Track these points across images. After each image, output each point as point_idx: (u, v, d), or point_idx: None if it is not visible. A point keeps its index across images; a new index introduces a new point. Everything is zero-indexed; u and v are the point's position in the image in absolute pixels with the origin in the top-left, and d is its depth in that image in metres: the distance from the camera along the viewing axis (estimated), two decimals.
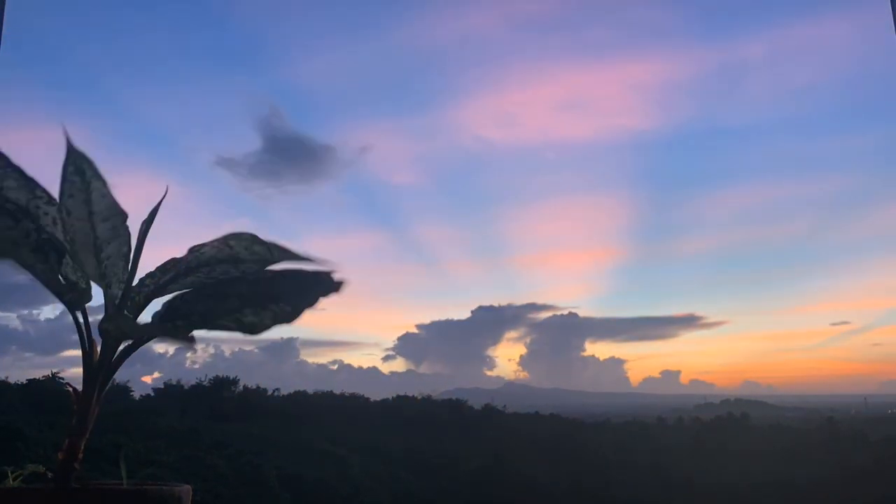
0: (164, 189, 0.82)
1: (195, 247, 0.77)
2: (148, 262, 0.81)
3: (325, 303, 0.76)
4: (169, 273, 0.78)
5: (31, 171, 0.75)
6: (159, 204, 0.81)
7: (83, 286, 0.78)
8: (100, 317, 0.78)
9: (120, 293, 0.79)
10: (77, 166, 0.78)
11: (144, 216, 0.81)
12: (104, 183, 0.79)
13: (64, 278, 0.77)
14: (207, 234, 0.79)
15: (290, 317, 0.75)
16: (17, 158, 0.74)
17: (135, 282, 0.79)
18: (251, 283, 0.76)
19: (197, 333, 0.72)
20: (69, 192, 0.78)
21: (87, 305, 0.79)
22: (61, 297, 0.77)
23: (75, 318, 0.78)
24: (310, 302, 0.75)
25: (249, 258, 0.76)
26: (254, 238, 0.76)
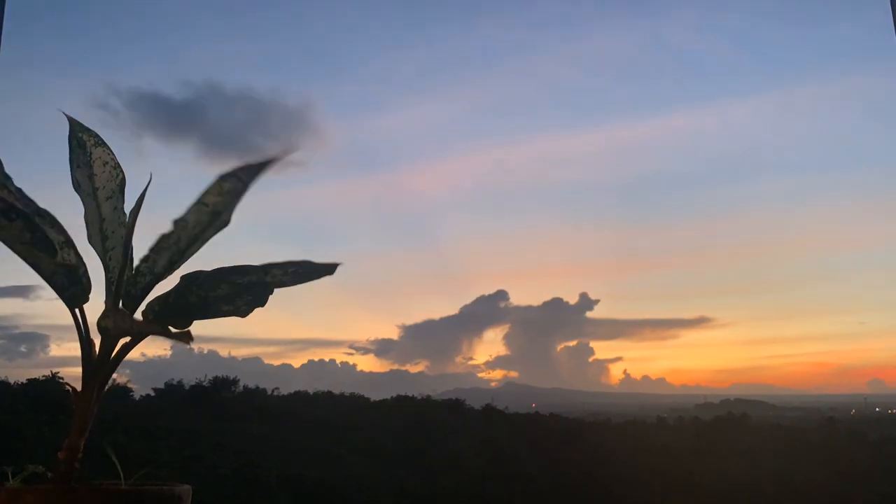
0: (149, 176, 0.81)
1: (177, 219, 0.73)
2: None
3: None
4: (163, 254, 0.75)
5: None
6: (145, 191, 0.80)
7: (84, 281, 0.77)
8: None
9: (115, 287, 0.78)
10: (79, 139, 0.80)
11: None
12: (104, 150, 0.80)
13: (65, 274, 0.76)
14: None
15: (261, 301, 0.76)
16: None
17: (127, 273, 0.78)
18: (235, 269, 0.76)
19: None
20: (76, 163, 0.80)
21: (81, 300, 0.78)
22: (63, 292, 0.76)
23: (74, 316, 0.77)
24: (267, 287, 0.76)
25: (224, 204, 0.72)
26: (220, 178, 0.70)
